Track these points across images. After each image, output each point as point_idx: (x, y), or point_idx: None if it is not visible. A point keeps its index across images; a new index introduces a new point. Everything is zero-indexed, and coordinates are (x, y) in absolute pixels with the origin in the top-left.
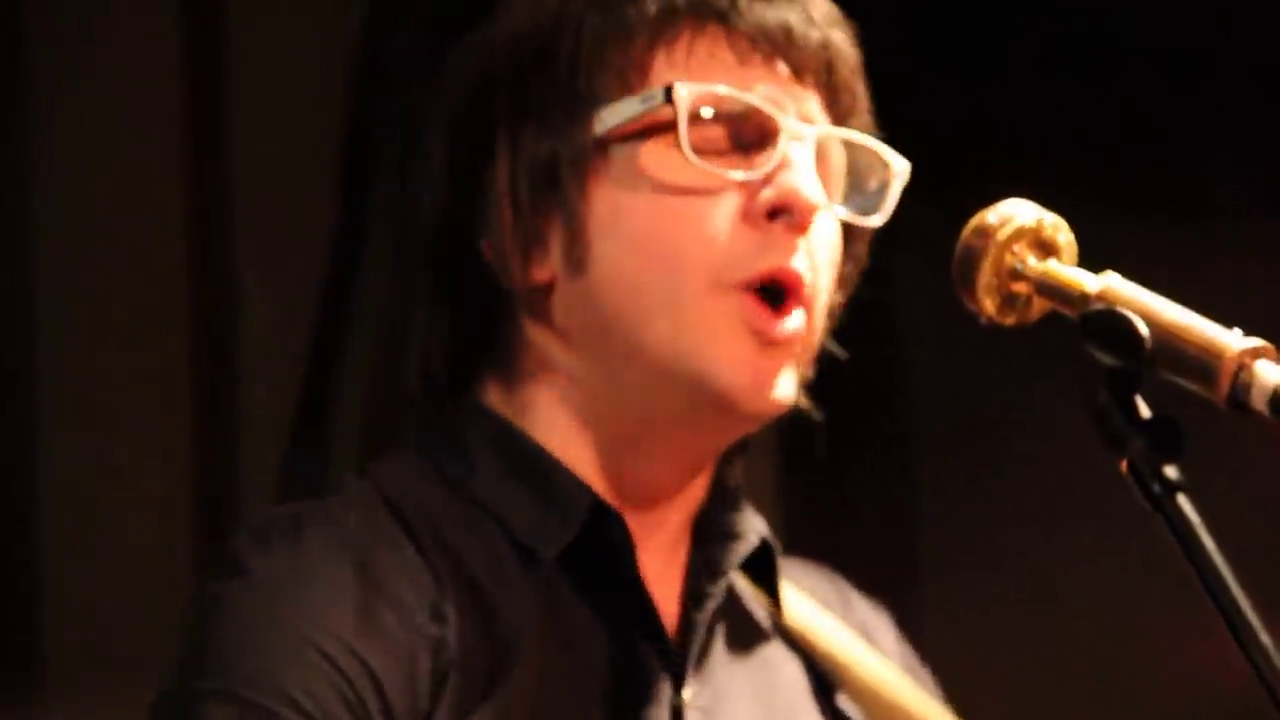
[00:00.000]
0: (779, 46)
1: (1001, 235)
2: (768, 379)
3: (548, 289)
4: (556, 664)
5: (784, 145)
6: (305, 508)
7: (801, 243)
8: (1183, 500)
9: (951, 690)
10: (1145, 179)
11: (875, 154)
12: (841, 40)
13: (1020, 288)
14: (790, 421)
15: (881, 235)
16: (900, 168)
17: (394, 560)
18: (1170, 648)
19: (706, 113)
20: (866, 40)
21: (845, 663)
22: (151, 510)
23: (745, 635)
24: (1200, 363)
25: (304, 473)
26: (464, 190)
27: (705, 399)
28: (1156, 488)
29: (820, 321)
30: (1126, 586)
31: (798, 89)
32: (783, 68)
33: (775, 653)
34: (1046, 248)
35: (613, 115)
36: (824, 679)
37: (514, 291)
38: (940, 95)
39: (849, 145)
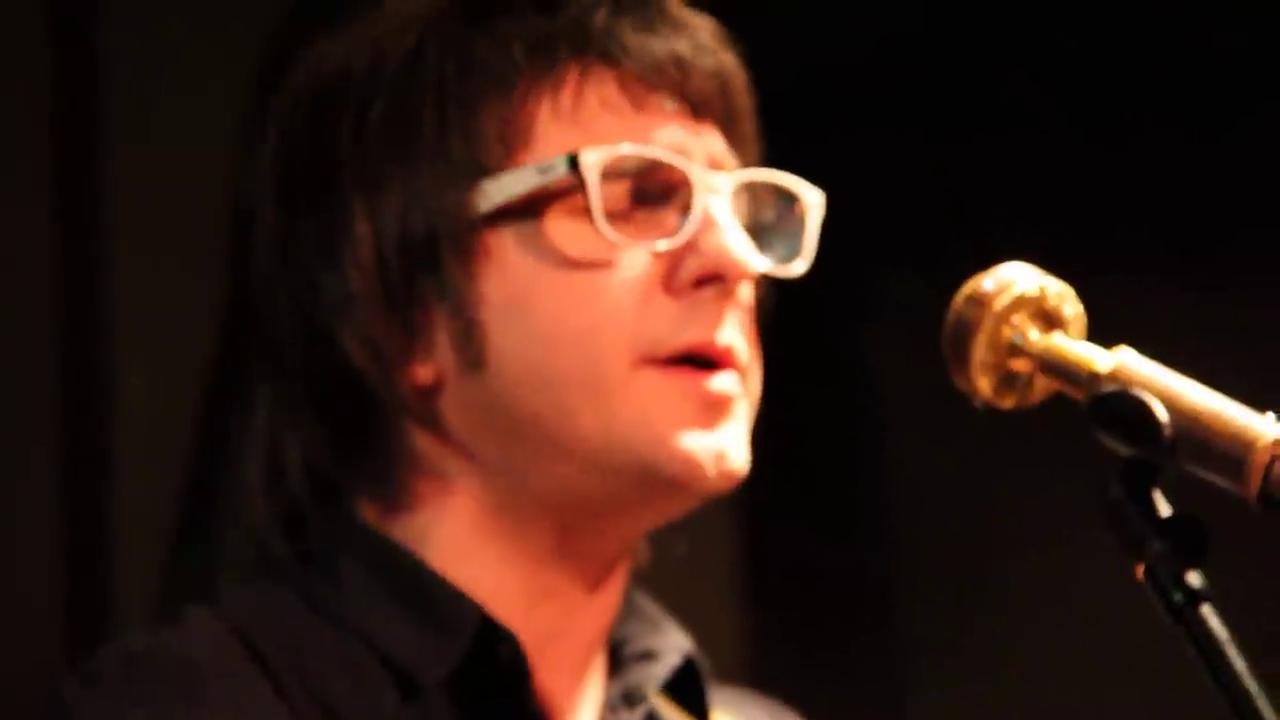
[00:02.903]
0: (674, 83)
1: (999, 305)
2: (722, 448)
3: (434, 389)
4: None
5: (700, 201)
6: (142, 646)
7: (729, 310)
8: (1207, 611)
9: None
10: (1163, 242)
11: (784, 188)
12: (733, 63)
13: (1020, 365)
14: (755, 529)
15: (860, 309)
16: (814, 200)
17: (243, 701)
18: None
19: (609, 175)
20: (847, 96)
21: None
22: (19, 620)
23: None
24: (1228, 454)
25: (189, 574)
26: (306, 274)
27: (658, 483)
28: (1178, 597)
29: (755, 383)
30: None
31: (698, 127)
32: (680, 108)
33: None
34: (1050, 319)
35: (501, 189)
36: None
37: (390, 394)
38: (929, 149)
39: (753, 184)
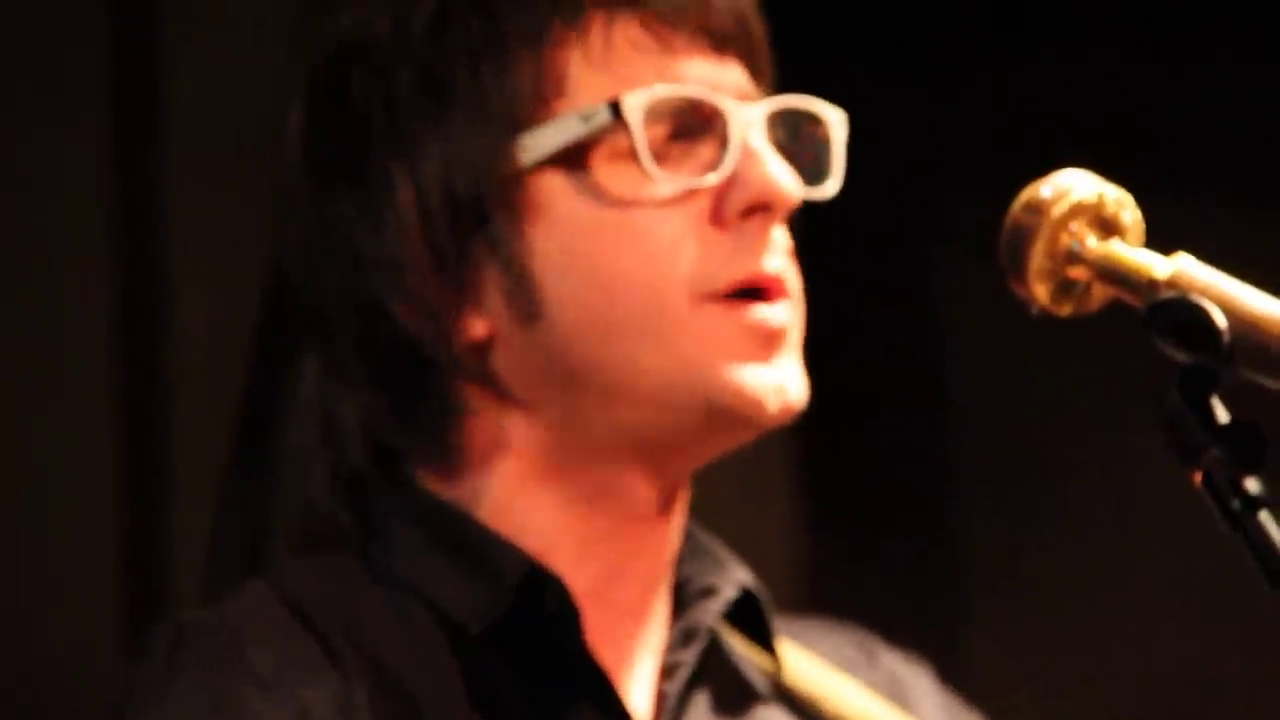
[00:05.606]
0: (696, 20)
1: (1056, 212)
2: (781, 382)
3: (487, 345)
4: None
5: (738, 134)
6: (190, 619)
7: (775, 236)
8: (1266, 518)
9: None
10: (1221, 154)
11: (808, 112)
12: None
13: (1078, 273)
14: (813, 447)
15: (922, 222)
16: (837, 119)
17: (290, 662)
18: (1239, 693)
19: (649, 117)
20: (915, 22)
21: None
22: (71, 573)
23: (736, 700)
24: None
25: (246, 503)
26: (348, 246)
27: (720, 418)
28: (1236, 503)
29: (801, 306)
30: (1195, 628)
31: (722, 61)
32: (704, 43)
33: (773, 717)
34: (1109, 226)
35: (543, 141)
36: None
37: (442, 353)
38: (987, 63)
39: (780, 111)
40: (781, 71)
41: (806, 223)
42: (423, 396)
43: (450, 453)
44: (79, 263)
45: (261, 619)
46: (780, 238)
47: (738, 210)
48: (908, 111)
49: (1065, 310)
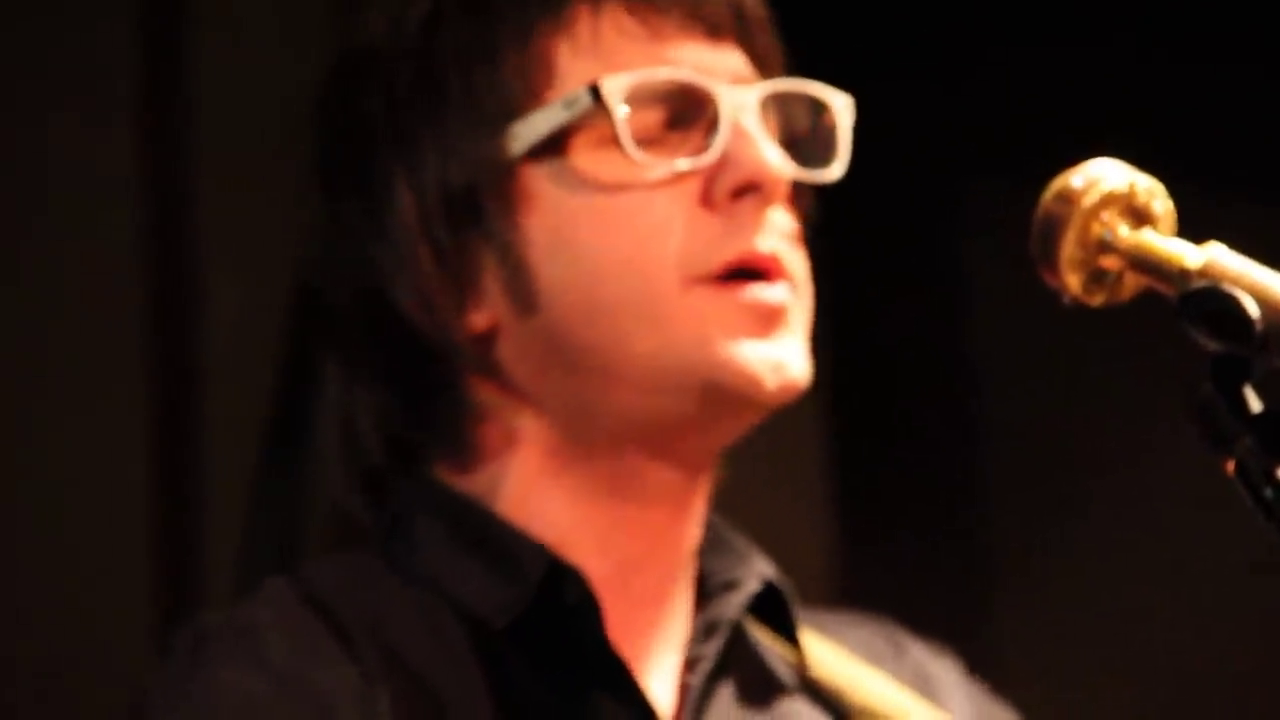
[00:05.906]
0: (687, 6)
1: (1087, 201)
2: (780, 359)
3: (490, 336)
4: None
5: (728, 116)
6: (211, 618)
7: (768, 217)
8: None
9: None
10: (1249, 147)
11: (811, 97)
12: None
13: (1110, 262)
14: (843, 437)
15: (948, 215)
16: (842, 104)
17: (308, 656)
18: (1267, 685)
19: (635, 101)
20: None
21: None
22: (103, 573)
23: (761, 692)
24: None
25: (275, 504)
26: (357, 250)
27: (718, 398)
28: (1268, 492)
29: (806, 291)
30: (1223, 620)
31: (716, 46)
32: (696, 29)
33: (798, 709)
34: (1140, 216)
35: (530, 129)
36: None
37: (449, 347)
38: (1013, 51)
39: (780, 95)
40: (803, 61)
41: (833, 214)
42: (434, 392)
43: (465, 447)
44: (110, 263)
45: (281, 615)
46: (780, 220)
47: (727, 191)
48: (935, 103)
49: (1097, 300)
